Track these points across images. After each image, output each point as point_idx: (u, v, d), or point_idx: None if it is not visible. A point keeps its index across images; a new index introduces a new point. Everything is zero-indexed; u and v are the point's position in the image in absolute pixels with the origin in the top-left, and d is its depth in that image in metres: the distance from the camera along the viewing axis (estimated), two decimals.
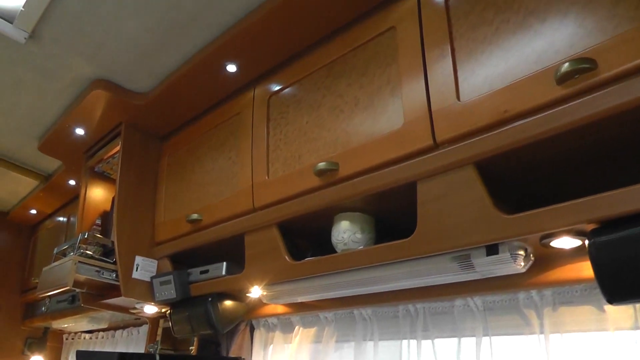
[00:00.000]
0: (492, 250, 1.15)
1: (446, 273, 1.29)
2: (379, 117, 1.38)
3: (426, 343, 1.57)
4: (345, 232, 1.47)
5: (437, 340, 1.55)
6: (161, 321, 2.61)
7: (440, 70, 1.24)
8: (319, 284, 1.58)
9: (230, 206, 1.84)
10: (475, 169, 1.13)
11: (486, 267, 1.19)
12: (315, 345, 1.92)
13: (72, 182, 3.21)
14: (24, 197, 3.71)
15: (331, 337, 1.84)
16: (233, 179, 1.88)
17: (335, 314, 1.84)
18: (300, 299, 1.77)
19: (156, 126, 2.41)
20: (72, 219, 3.39)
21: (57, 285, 2.22)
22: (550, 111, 1.00)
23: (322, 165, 1.44)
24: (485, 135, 1.11)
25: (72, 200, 3.43)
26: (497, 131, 1.09)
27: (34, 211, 3.81)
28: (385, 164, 1.32)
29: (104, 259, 2.21)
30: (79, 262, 2.13)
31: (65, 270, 2.15)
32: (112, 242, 2.22)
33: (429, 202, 1.22)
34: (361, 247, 1.46)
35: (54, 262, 2.38)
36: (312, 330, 1.92)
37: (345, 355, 1.82)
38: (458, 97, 1.18)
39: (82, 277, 2.14)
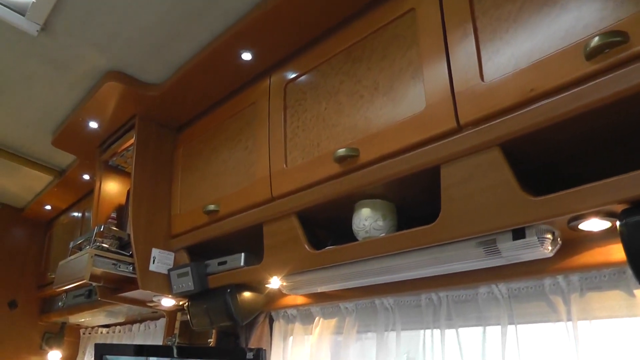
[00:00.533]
0: (518, 234, 1.14)
1: (471, 259, 1.27)
2: (400, 101, 1.37)
3: (450, 332, 1.55)
4: (367, 220, 1.46)
5: (461, 330, 1.52)
6: (179, 314, 2.62)
7: (463, 50, 1.22)
8: (340, 273, 1.57)
9: (248, 196, 1.84)
10: (501, 150, 1.12)
11: (512, 252, 1.18)
12: (336, 336, 1.91)
13: (86, 177, 3.23)
14: (38, 193, 3.74)
15: (352, 328, 1.82)
16: (250, 168, 1.88)
17: (356, 304, 1.83)
18: (320, 289, 1.77)
19: (171, 117, 2.41)
20: (86, 214, 3.42)
21: (73, 278, 2.23)
22: (579, 88, 0.99)
23: (342, 151, 1.43)
24: (510, 116, 1.10)
25: (87, 195, 3.46)
26: (523, 111, 1.07)
27: (48, 207, 3.85)
28: (408, 149, 1.31)
29: (121, 251, 2.23)
30: (96, 255, 2.14)
31: (82, 263, 2.16)
32: (128, 235, 2.24)
33: (453, 186, 1.20)
34: (383, 234, 1.45)
35: (70, 256, 2.39)
36: (333, 321, 1.91)
37: (367, 346, 1.80)
38: (482, 78, 1.17)
39: (98, 271, 2.16)
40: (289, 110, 1.77)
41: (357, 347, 1.81)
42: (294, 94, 1.77)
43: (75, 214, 3.61)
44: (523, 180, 1.10)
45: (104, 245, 2.23)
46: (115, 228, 2.41)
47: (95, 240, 2.25)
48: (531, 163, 1.22)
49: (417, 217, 1.37)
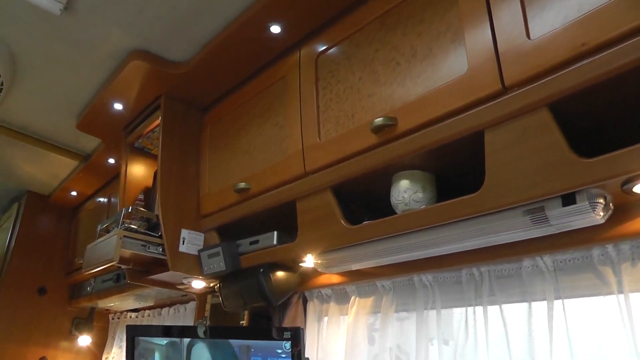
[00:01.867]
0: (568, 200, 1.12)
1: (516, 229, 1.25)
2: (440, 66, 1.35)
3: (493, 309, 1.52)
4: (406, 192, 1.45)
5: (505, 306, 1.50)
6: (209, 297, 2.65)
7: (507, 8, 1.20)
8: (377, 249, 1.57)
9: (280, 172, 1.84)
10: (549, 111, 1.10)
11: (562, 219, 1.16)
12: (373, 316, 1.90)
13: (111, 161, 3.27)
14: (64, 179, 3.80)
15: (390, 307, 1.81)
16: (281, 144, 1.87)
17: (394, 282, 1.82)
18: (356, 267, 1.76)
19: (197, 97, 2.42)
20: (112, 199, 3.46)
21: (102, 260, 2.26)
22: (635, 39, 0.96)
23: (379, 121, 1.42)
24: (560, 74, 1.07)
25: (112, 180, 3.50)
26: (574, 67, 1.05)
27: (74, 193, 3.91)
28: (449, 115, 1.29)
29: (149, 232, 2.24)
30: (124, 236, 2.17)
31: (111, 245, 2.19)
32: (157, 216, 2.25)
33: (498, 152, 1.18)
34: (423, 206, 1.43)
35: (98, 239, 2.42)
36: (369, 300, 1.90)
37: (406, 325, 1.78)
38: (528, 35, 1.14)
39: (127, 252, 2.18)
40: (321, 82, 1.75)
41: (396, 327, 1.80)
42: (326, 65, 1.76)
43: (101, 199, 3.66)
44: (572, 144, 1.08)
45: (133, 226, 2.25)
46: (143, 209, 2.42)
47: (123, 222, 2.27)
48: (581, 124, 1.20)
49: (457, 189, 1.36)
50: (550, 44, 1.09)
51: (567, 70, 1.06)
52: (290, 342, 1.65)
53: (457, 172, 1.48)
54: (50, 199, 4.12)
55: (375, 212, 1.64)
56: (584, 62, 1.03)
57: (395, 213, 1.50)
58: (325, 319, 2.06)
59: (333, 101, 1.68)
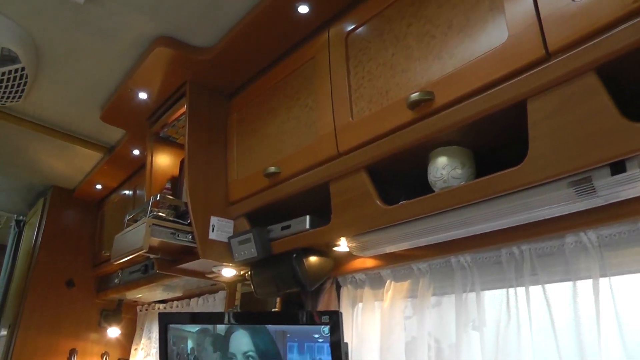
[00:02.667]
0: (618, 168, 1.09)
1: (560, 203, 1.23)
2: (478, 36, 1.33)
3: (535, 290, 1.49)
4: (444, 168, 1.44)
5: (548, 286, 1.46)
6: (239, 285, 2.65)
7: None
8: (414, 229, 1.56)
9: (312, 154, 1.83)
10: (597, 76, 1.07)
11: (610, 189, 1.13)
12: (410, 300, 1.89)
13: (136, 152, 3.29)
14: (88, 173, 3.85)
15: (427, 290, 1.79)
16: (312, 126, 1.87)
17: (430, 265, 1.80)
18: (391, 249, 1.75)
19: (223, 82, 2.43)
20: (138, 191, 3.48)
21: (131, 250, 2.28)
22: None
23: (415, 96, 1.40)
24: (608, 35, 1.04)
25: (137, 171, 3.53)
26: (624, 27, 1.02)
27: (99, 186, 3.95)
28: (489, 86, 1.27)
29: (179, 220, 2.25)
30: (153, 224, 2.17)
31: (140, 234, 2.20)
32: (185, 204, 2.26)
33: (542, 121, 1.16)
34: (462, 183, 1.41)
35: (125, 228, 2.44)
36: (405, 284, 1.88)
37: (445, 310, 1.75)
38: None
39: (156, 241, 2.19)
40: (352, 61, 1.74)
41: (433, 311, 1.78)
42: (357, 43, 1.74)
43: (126, 192, 3.69)
44: (621, 109, 1.05)
45: (161, 214, 2.26)
46: (170, 197, 2.43)
47: (151, 211, 2.28)
48: (630, 88, 1.17)
49: (495, 165, 1.33)
50: (597, 3, 1.06)
51: (616, 30, 1.03)
52: (328, 326, 1.64)
53: (495, 147, 1.47)
54: (75, 193, 4.18)
55: (410, 192, 1.62)
56: (635, 20, 1.00)
57: (433, 191, 1.48)
58: (360, 305, 2.05)
59: (365, 79, 1.66)
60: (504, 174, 1.25)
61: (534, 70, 1.18)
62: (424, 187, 1.52)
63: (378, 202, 1.59)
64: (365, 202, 1.63)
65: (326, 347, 1.65)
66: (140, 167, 3.47)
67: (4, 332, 4.03)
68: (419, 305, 1.79)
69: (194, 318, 2.07)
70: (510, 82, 1.22)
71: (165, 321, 2.08)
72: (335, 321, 1.64)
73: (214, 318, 1.99)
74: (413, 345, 1.82)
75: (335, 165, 1.74)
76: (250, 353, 1.91)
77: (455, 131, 1.39)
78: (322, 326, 1.66)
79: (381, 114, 1.56)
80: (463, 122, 1.34)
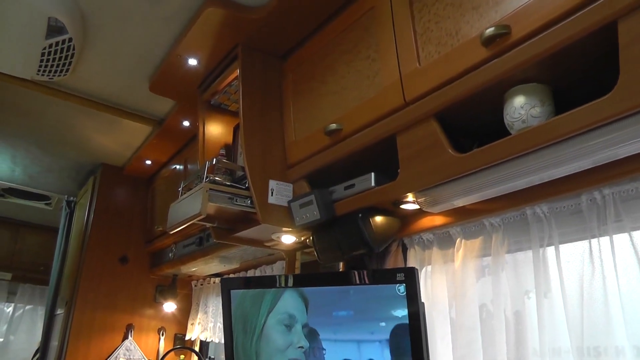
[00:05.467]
0: None
1: None
2: None
3: (620, 238, 1.44)
4: (523, 108, 1.40)
5: (635, 233, 1.41)
6: (298, 254, 2.66)
7: None
8: (488, 178, 1.53)
9: (376, 107, 1.82)
10: None
11: None
12: (483, 260, 1.86)
13: (186, 123, 3.33)
14: (137, 148, 3.92)
15: (501, 247, 1.75)
16: (375, 77, 1.85)
17: (503, 219, 1.76)
18: (462, 202, 1.73)
19: (276, 43, 2.43)
20: (189, 166, 3.54)
21: (188, 217, 2.31)
22: None
23: (490, 31, 1.37)
24: None
25: (187, 144, 3.59)
26: None
27: (148, 162, 4.04)
28: (572, 11, 1.22)
29: (236, 185, 2.26)
30: (211, 189, 2.19)
31: (197, 200, 2.23)
32: (242, 167, 2.28)
33: (636, 43, 1.11)
34: (543, 121, 1.37)
35: (181, 196, 2.46)
36: (477, 242, 1.85)
37: (521, 267, 1.71)
38: None
39: (213, 207, 2.21)
40: (416, 4, 1.71)
41: (510, 269, 1.74)
42: None
43: (177, 166, 3.75)
44: None
45: (217, 179, 2.28)
46: (226, 161, 2.44)
47: (207, 176, 2.29)
48: None
49: (576, 101, 1.29)
50: None
51: None
52: (404, 284, 1.62)
53: (573, 83, 1.43)
54: (124, 170, 4.29)
55: (482, 141, 1.59)
56: None
57: (509, 134, 1.44)
58: (429, 267, 2.02)
59: (432, 22, 1.63)
60: (590, 107, 1.21)
61: None
62: (497, 133, 1.49)
63: (450, 151, 1.56)
64: (435, 152, 1.61)
65: (402, 307, 1.63)
66: (190, 140, 3.52)
67: (61, 311, 4.17)
68: (494, 263, 1.75)
69: (258, 282, 2.08)
70: (597, 3, 1.18)
71: (228, 287, 2.10)
72: (411, 278, 1.61)
73: (280, 281, 1.99)
74: (488, 307, 1.80)
75: (402, 115, 1.72)
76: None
77: (532, 66, 1.35)
78: (397, 285, 1.64)
79: (452, 56, 1.53)
80: (543, 55, 1.30)
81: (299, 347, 1.87)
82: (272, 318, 1.95)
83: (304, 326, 1.87)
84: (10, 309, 6.42)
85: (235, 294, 2.09)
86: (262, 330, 1.98)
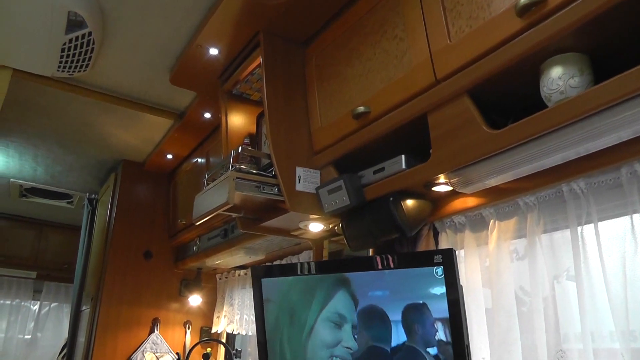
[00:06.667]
0: None
1: None
2: None
3: None
4: (560, 78, 1.37)
5: None
6: (325, 242, 2.63)
7: None
8: (524, 154, 1.49)
9: (405, 86, 1.79)
10: None
11: None
12: (518, 242, 1.82)
13: (207, 115, 3.33)
14: (158, 142, 3.93)
15: (536, 227, 1.71)
16: (404, 57, 1.82)
17: (538, 197, 1.72)
18: (496, 181, 1.70)
19: (297, 29, 2.40)
20: (211, 159, 3.53)
21: (215, 206, 2.29)
22: None
23: (525, 0, 1.33)
24: None
25: (208, 137, 3.58)
26: None
27: (169, 156, 4.05)
28: None
29: (263, 173, 2.24)
30: (237, 178, 2.17)
31: (223, 189, 2.21)
32: (268, 155, 2.26)
33: None
34: (582, 91, 1.33)
35: (205, 187, 2.45)
36: (511, 223, 1.81)
37: (558, 247, 1.67)
38: None
39: (240, 196, 2.20)
40: None
41: (547, 249, 1.70)
42: None
43: (199, 159, 3.75)
44: None
45: (243, 167, 2.26)
46: (252, 149, 2.42)
47: (232, 165, 2.28)
48: None
49: (616, 69, 1.25)
50: None
51: None
52: (442, 267, 1.59)
53: (614, 50, 1.38)
54: (145, 165, 4.32)
55: (516, 117, 1.56)
56: None
57: (544, 109, 1.41)
58: (462, 252, 1.98)
59: None
60: (631, 73, 1.17)
61: None
62: (531, 108, 1.45)
63: (484, 128, 1.53)
64: (469, 129, 1.58)
65: (439, 291, 1.60)
66: (212, 133, 3.52)
67: (86, 307, 4.21)
68: (529, 244, 1.71)
69: (290, 269, 2.05)
70: None
71: (259, 275, 2.08)
72: (449, 259, 1.57)
73: (313, 267, 1.96)
74: (525, 290, 1.76)
75: (433, 94, 1.69)
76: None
77: (570, 35, 1.31)
78: (435, 267, 1.60)
79: (484, 29, 1.50)
80: (580, 23, 1.26)
81: (346, 347, 1.85)
82: (323, 315, 1.93)
83: (354, 327, 1.85)
84: (36, 307, 6.58)
85: (279, 283, 2.07)
86: (313, 326, 1.95)
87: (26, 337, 6.47)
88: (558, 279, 1.66)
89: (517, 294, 1.78)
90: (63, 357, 4.63)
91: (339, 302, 1.89)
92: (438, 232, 2.09)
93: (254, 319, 2.15)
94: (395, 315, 1.71)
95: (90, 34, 2.55)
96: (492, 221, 1.87)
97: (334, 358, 1.87)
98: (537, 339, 1.64)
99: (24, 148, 4.18)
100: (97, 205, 4.73)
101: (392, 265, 1.73)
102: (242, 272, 3.95)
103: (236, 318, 3.88)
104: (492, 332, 1.82)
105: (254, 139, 2.78)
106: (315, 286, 1.96)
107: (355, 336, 1.83)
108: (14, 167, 4.54)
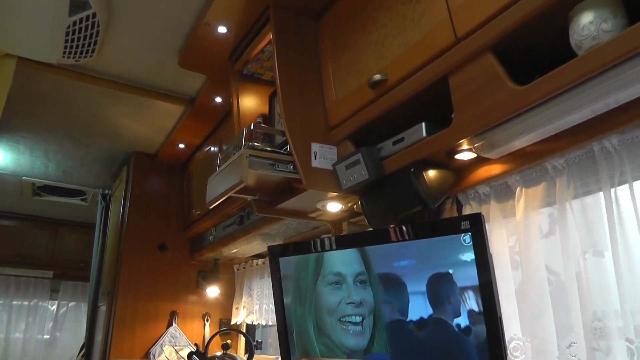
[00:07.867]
0: None
1: None
2: None
3: None
4: (592, 23, 1.28)
5: None
6: (344, 224, 2.57)
7: None
8: (553, 109, 1.41)
9: (424, 49, 1.72)
10: None
11: None
12: (547, 210, 1.73)
13: (218, 100, 3.29)
14: (170, 132, 3.89)
15: (566, 191, 1.61)
16: (421, 19, 1.75)
17: (567, 159, 1.63)
18: (523, 143, 1.62)
19: (309, 1, 2.32)
20: (224, 146, 3.48)
21: (229, 187, 2.24)
22: None
23: None
24: None
25: (221, 123, 3.55)
26: None
27: (182, 145, 4.03)
28: None
29: (277, 150, 2.18)
30: (250, 155, 2.10)
31: (236, 168, 2.15)
32: (282, 132, 2.20)
33: None
34: (616, 35, 1.25)
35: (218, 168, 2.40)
36: (539, 189, 1.72)
37: (591, 212, 1.57)
38: None
39: (254, 174, 2.13)
40: None
41: (579, 214, 1.60)
42: None
43: (212, 147, 3.72)
44: None
45: (257, 144, 2.20)
46: (265, 125, 2.36)
47: (245, 144, 2.21)
48: None
49: None
50: None
51: None
52: (470, 233, 1.51)
53: None
54: (158, 157, 4.29)
55: (543, 72, 1.47)
56: None
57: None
58: (487, 224, 1.89)
59: None
60: None
61: None
62: (558, 63, 1.37)
63: (510, 84, 1.45)
64: (493, 87, 1.50)
65: (469, 257, 1.52)
66: (224, 119, 3.48)
67: (102, 304, 4.19)
68: (560, 211, 1.63)
69: (308, 246, 1.98)
70: None
71: (277, 254, 2.02)
72: (477, 225, 1.50)
73: (333, 243, 1.90)
74: (557, 260, 1.67)
75: (454, 53, 1.61)
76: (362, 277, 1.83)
77: None
78: (462, 234, 1.53)
79: None
80: None
81: (350, 303, 1.78)
82: (320, 281, 1.88)
83: (358, 275, 1.79)
84: (54, 307, 6.63)
85: (287, 264, 2.02)
86: (312, 295, 1.90)
87: (45, 337, 6.51)
88: (601, 244, 1.55)
89: (557, 263, 1.69)
90: (83, 355, 4.63)
91: (332, 261, 1.89)
92: (462, 205, 2.01)
93: (273, 308, 2.09)
94: (419, 287, 1.64)
95: (94, 15, 2.51)
96: (518, 189, 1.78)
97: (344, 319, 1.82)
98: (572, 315, 1.55)
99: (35, 144, 4.17)
100: (111, 200, 4.70)
101: (416, 236, 1.66)
102: (259, 261, 3.91)
103: (255, 308, 3.84)
104: (522, 307, 1.74)
105: (267, 119, 2.72)
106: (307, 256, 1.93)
107: (359, 283, 1.79)
108: (25, 164, 4.54)
